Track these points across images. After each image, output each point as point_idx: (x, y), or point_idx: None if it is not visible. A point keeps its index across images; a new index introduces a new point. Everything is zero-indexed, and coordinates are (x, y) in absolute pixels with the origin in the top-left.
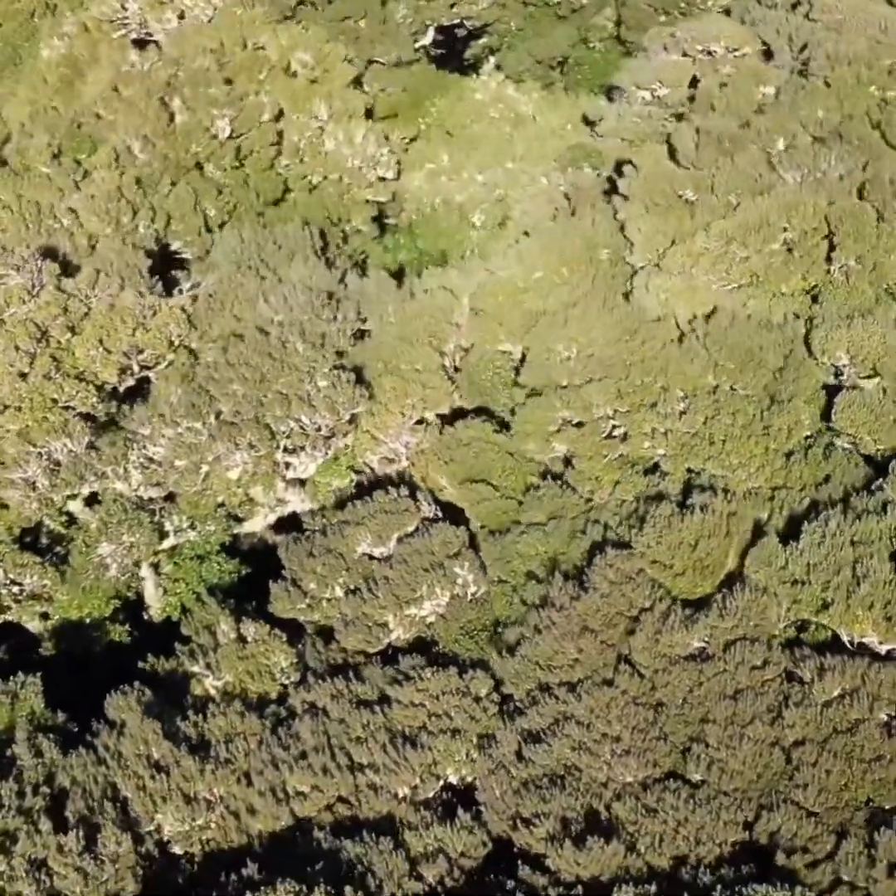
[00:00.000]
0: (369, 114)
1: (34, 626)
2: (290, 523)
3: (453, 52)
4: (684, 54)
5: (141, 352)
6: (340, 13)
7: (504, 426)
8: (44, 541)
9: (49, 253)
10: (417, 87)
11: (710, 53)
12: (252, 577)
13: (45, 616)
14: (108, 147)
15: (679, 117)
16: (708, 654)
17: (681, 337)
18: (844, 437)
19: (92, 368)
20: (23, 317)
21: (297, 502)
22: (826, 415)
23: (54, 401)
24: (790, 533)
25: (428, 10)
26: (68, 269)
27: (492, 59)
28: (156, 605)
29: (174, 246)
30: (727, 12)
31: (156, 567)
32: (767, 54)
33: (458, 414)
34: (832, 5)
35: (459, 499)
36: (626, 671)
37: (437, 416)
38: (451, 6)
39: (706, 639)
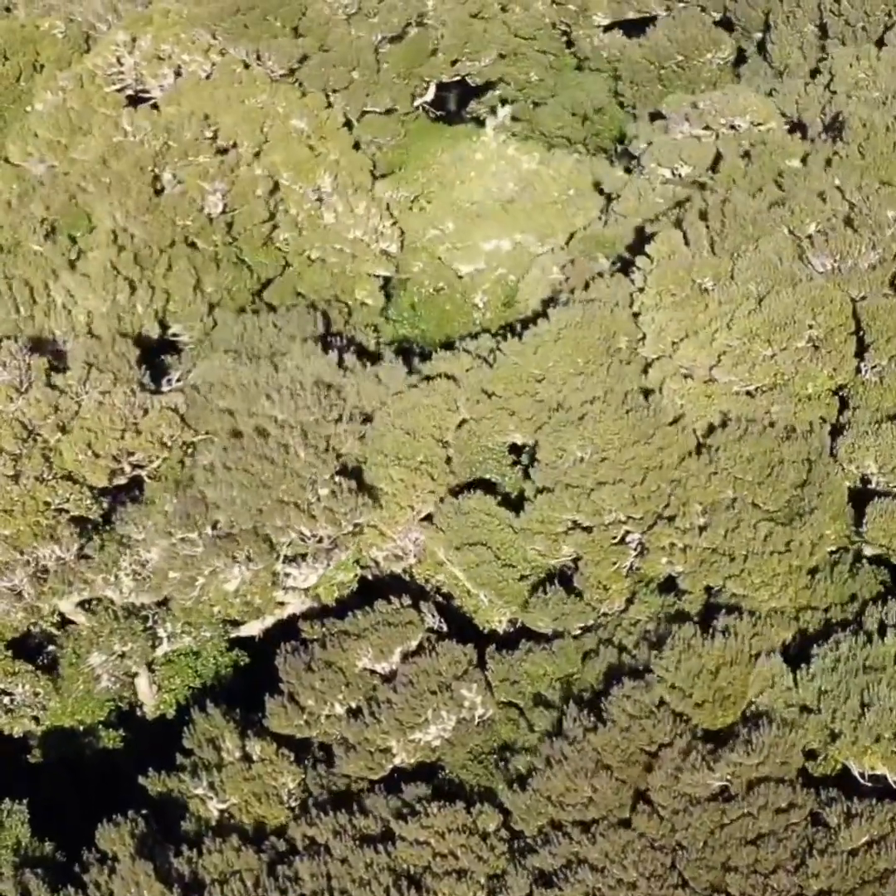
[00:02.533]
0: (372, 174)
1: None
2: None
3: (456, 109)
4: (707, 127)
5: (132, 454)
6: (332, 61)
7: (507, 501)
8: (36, 639)
9: (38, 344)
10: (417, 142)
11: (733, 127)
12: (251, 668)
13: (35, 719)
14: (105, 226)
15: (702, 187)
16: (731, 793)
17: (699, 447)
18: (876, 547)
19: (80, 472)
20: (10, 416)
21: (297, 604)
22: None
23: (47, 504)
24: (805, 653)
25: (428, 66)
26: (58, 361)
27: (504, 110)
28: (150, 703)
29: (172, 328)
30: (734, 68)
31: (149, 664)
32: (795, 127)
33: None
34: (865, 80)
35: (456, 563)
36: (643, 811)
37: None
38: (453, 63)
39: (729, 777)
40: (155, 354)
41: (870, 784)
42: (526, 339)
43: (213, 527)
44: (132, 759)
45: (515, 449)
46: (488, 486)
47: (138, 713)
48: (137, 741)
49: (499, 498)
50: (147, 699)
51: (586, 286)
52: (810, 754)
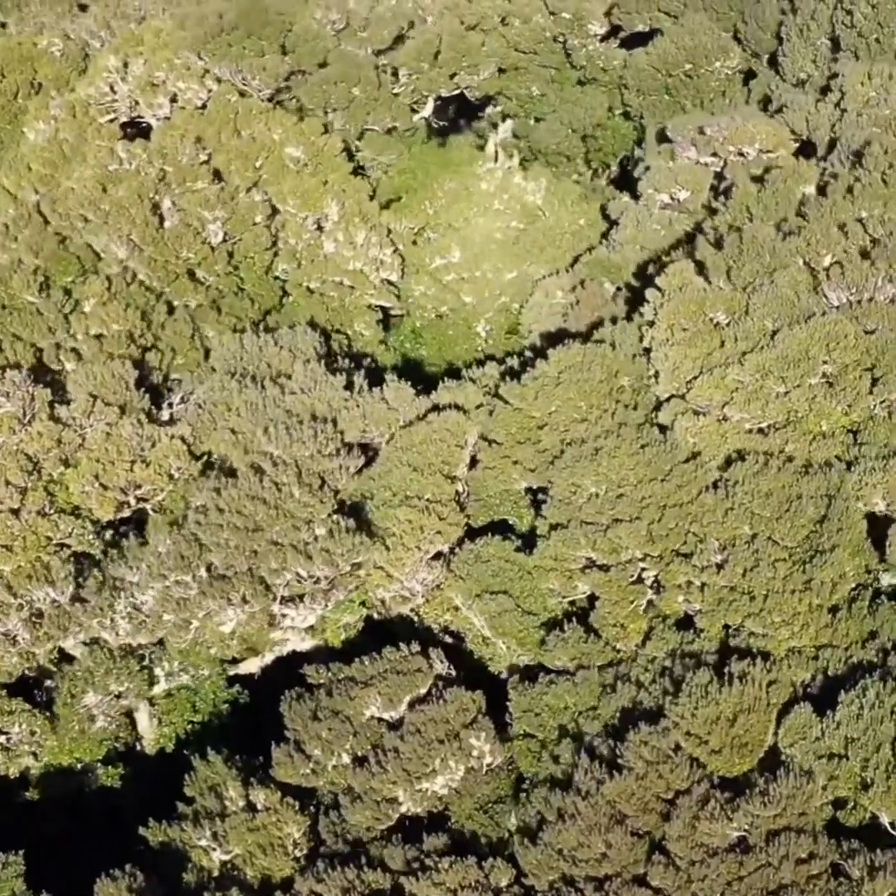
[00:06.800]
0: (371, 198)
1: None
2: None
3: (457, 123)
4: (714, 154)
5: (139, 486)
6: (332, 78)
7: (524, 543)
8: (33, 675)
9: (40, 374)
10: (421, 168)
11: (741, 154)
12: (251, 704)
13: (34, 755)
14: (99, 276)
15: (712, 212)
16: (749, 844)
17: (715, 483)
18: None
19: (87, 504)
20: (13, 448)
21: (297, 641)
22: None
23: (48, 539)
24: (828, 696)
25: (426, 80)
26: (59, 391)
27: (505, 125)
28: (149, 737)
29: (175, 376)
30: (746, 80)
31: (149, 699)
32: (802, 149)
33: (469, 530)
34: (876, 98)
35: (478, 612)
36: (659, 862)
37: None
38: (452, 76)
39: (747, 827)
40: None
41: None
42: (526, 382)
43: (208, 569)
44: (133, 793)
45: (532, 489)
46: (504, 527)
47: (138, 748)
48: (137, 775)
49: (516, 542)
50: (146, 733)
51: (591, 330)
52: (838, 802)
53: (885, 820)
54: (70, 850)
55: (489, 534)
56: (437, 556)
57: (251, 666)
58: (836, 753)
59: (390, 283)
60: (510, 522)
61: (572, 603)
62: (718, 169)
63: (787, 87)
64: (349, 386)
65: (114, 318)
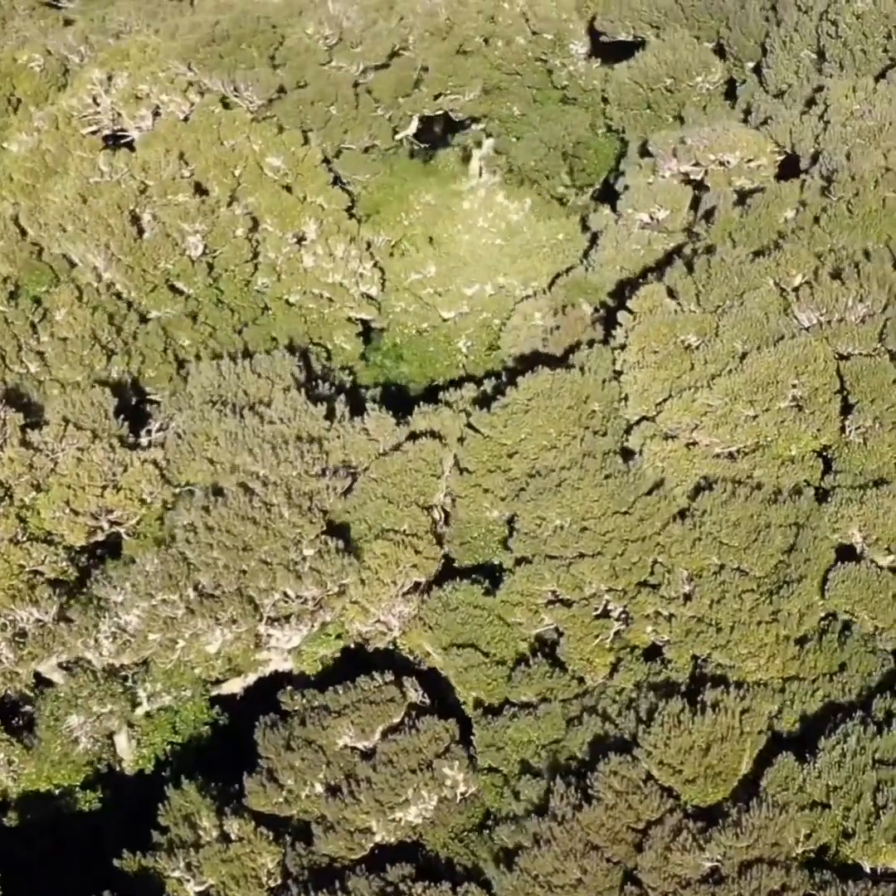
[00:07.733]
0: (350, 212)
1: None
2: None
3: (439, 142)
4: (696, 163)
5: (111, 511)
6: (309, 98)
7: (496, 585)
8: (9, 700)
9: (13, 398)
10: (398, 182)
11: (722, 164)
12: (230, 724)
13: (11, 779)
14: (69, 285)
15: (694, 235)
16: (722, 874)
17: (682, 513)
18: (842, 613)
19: (59, 530)
20: None
21: (279, 662)
22: None
23: (21, 567)
24: (804, 736)
25: (409, 102)
26: (33, 414)
27: (488, 143)
28: (129, 758)
29: (147, 389)
30: (728, 93)
31: (129, 721)
32: (786, 161)
33: (445, 567)
34: (859, 111)
35: (444, 666)
36: (632, 893)
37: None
38: (436, 97)
39: (720, 858)
40: (133, 407)
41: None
42: (495, 410)
43: (196, 588)
44: (113, 814)
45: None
46: (477, 571)
47: (117, 769)
48: (117, 796)
49: (486, 583)
50: (126, 755)
51: (568, 353)
52: (821, 849)
53: (866, 867)
54: (50, 875)
55: (458, 577)
56: (415, 586)
57: (234, 686)
58: (818, 802)
59: (370, 296)
60: (494, 562)
61: (539, 637)
62: (699, 178)
63: (768, 98)
64: (330, 414)
65: (80, 321)
